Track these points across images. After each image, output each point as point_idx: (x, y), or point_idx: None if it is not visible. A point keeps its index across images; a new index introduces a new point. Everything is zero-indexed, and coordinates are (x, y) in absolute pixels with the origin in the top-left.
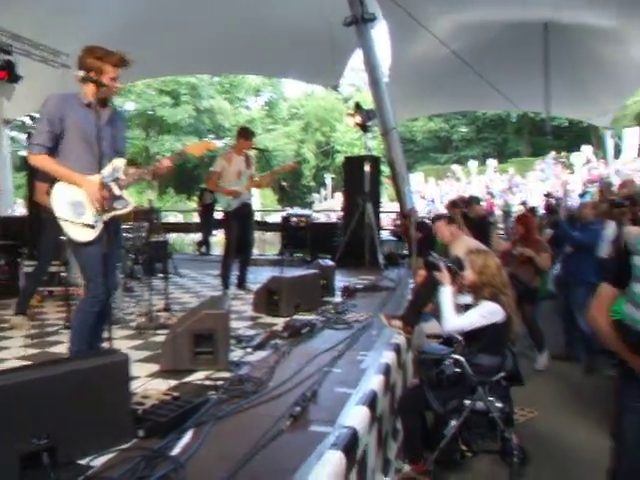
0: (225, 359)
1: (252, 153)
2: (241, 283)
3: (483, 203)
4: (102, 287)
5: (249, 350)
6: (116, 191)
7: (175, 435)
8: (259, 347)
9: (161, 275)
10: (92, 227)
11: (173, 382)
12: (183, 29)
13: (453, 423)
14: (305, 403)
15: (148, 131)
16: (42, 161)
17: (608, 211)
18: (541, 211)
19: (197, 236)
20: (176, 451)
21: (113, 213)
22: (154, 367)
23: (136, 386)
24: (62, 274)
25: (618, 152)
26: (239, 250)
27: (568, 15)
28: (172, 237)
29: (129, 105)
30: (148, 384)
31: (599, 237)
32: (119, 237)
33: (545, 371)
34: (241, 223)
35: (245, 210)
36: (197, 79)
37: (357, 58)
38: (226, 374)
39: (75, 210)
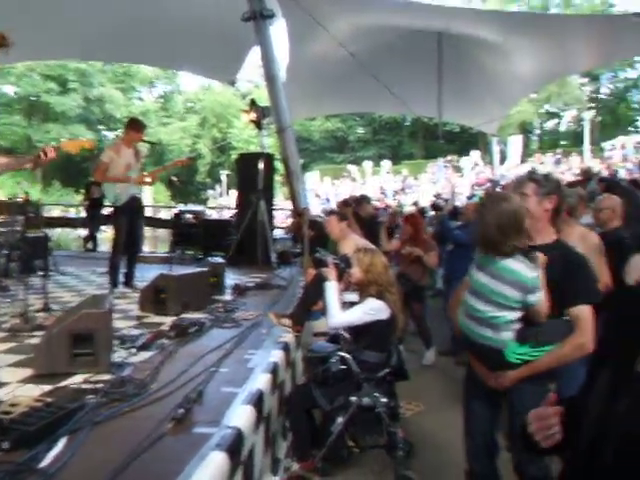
0: (106, 361)
1: (144, 147)
2: (128, 281)
3: (377, 203)
4: None
5: (133, 351)
6: None
7: (45, 445)
8: (143, 347)
9: (40, 273)
10: None
11: (47, 387)
12: (72, 10)
13: (340, 420)
14: (189, 405)
15: (30, 118)
16: None
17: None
18: (430, 212)
19: (84, 232)
20: (45, 462)
21: None
22: (27, 372)
23: (4, 393)
24: None
25: (504, 158)
26: (127, 246)
27: (459, 27)
28: (56, 232)
29: (7, 88)
30: (18, 390)
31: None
32: None
33: (432, 366)
34: (130, 218)
35: (134, 204)
36: (88, 65)
37: (256, 55)
38: (107, 376)
39: None
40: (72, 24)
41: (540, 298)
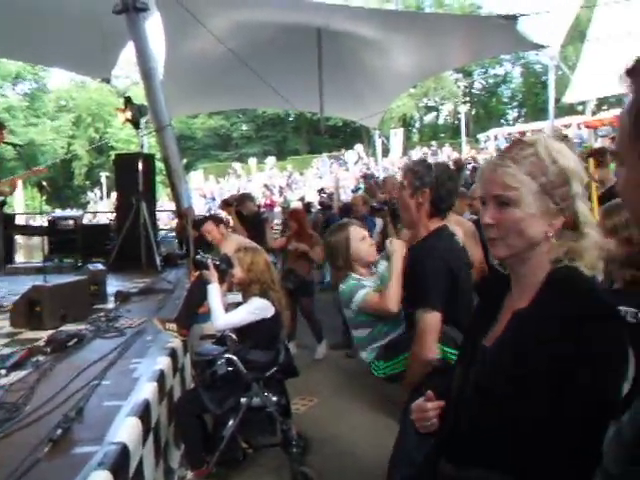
0: None
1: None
2: None
3: (263, 200)
4: None
5: (2, 372)
6: None
7: None
8: (15, 367)
9: None
10: None
11: None
12: None
13: (231, 422)
14: (68, 424)
15: None
16: None
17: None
18: (317, 207)
19: None
20: None
21: None
22: None
23: None
24: None
25: (386, 151)
26: None
27: (338, 24)
28: None
29: None
30: None
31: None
32: None
33: (324, 360)
34: None
35: None
36: None
37: (132, 50)
38: None
39: None
40: None
41: (363, 296)
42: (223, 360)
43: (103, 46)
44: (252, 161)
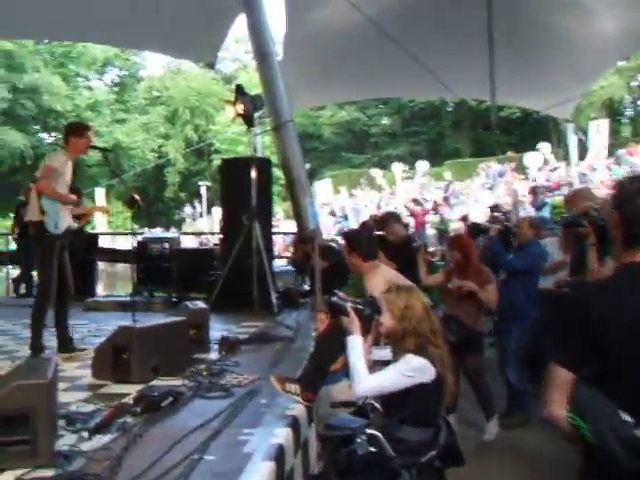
0: (48, 450)
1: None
2: (66, 344)
3: (411, 220)
4: None
5: (84, 435)
6: None
7: None
8: (99, 429)
9: None
10: None
11: None
12: None
13: None
14: None
15: None
16: None
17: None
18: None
19: (14, 270)
20: None
21: None
22: None
23: None
24: None
25: (584, 151)
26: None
27: None
28: None
29: None
30: None
31: (538, 261)
32: None
33: (495, 442)
34: (59, 254)
35: (68, 238)
36: (15, 45)
37: (242, 26)
38: (50, 472)
39: None
40: None
41: None
42: (364, 437)
43: (207, 23)
44: (396, 167)
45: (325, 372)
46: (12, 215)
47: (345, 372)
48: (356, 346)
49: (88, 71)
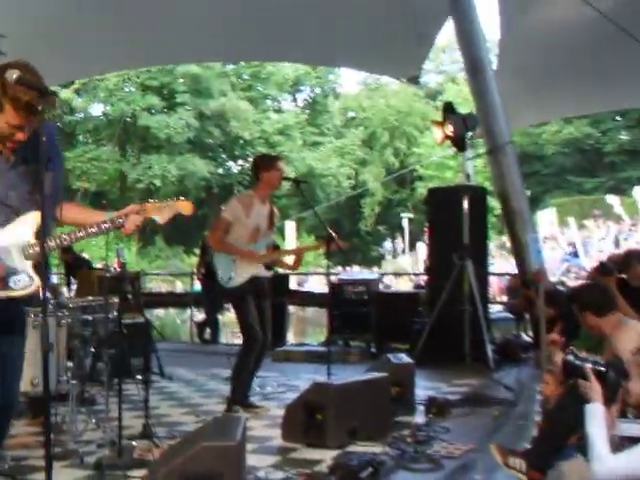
0: None
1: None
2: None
3: None
4: None
5: None
6: (17, 263)
7: None
8: None
9: (138, 378)
10: None
11: None
12: None
13: None
14: None
15: (125, 148)
16: None
17: None
18: None
19: (199, 314)
20: None
21: (6, 294)
22: None
23: None
24: None
25: None
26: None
27: None
28: (158, 315)
29: (96, 108)
30: None
31: None
32: (19, 328)
33: None
34: (258, 304)
35: (262, 287)
36: (201, 68)
37: (449, 32)
38: None
39: None
40: (179, 12)
41: None
42: None
43: (410, 32)
44: (638, 192)
45: (558, 447)
46: (197, 252)
47: (579, 447)
48: (596, 417)
49: (278, 92)
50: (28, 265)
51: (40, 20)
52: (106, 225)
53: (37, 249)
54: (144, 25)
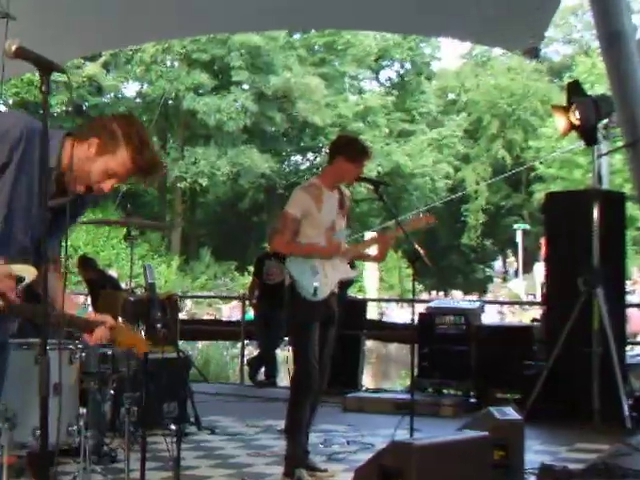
0: None
1: (349, 190)
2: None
3: None
4: None
5: None
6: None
7: None
8: None
9: (172, 427)
10: None
11: None
12: None
13: None
14: None
15: (166, 138)
16: None
17: None
18: None
19: (249, 347)
20: None
21: None
22: None
23: None
24: None
25: None
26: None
27: None
28: (201, 348)
29: (130, 88)
30: None
31: None
32: None
33: None
34: (321, 331)
35: (332, 307)
36: (263, 39)
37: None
38: None
39: None
40: None
41: None
42: None
43: None
44: None
45: None
46: (251, 270)
47: None
48: None
49: (358, 69)
50: None
51: None
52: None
53: None
54: None
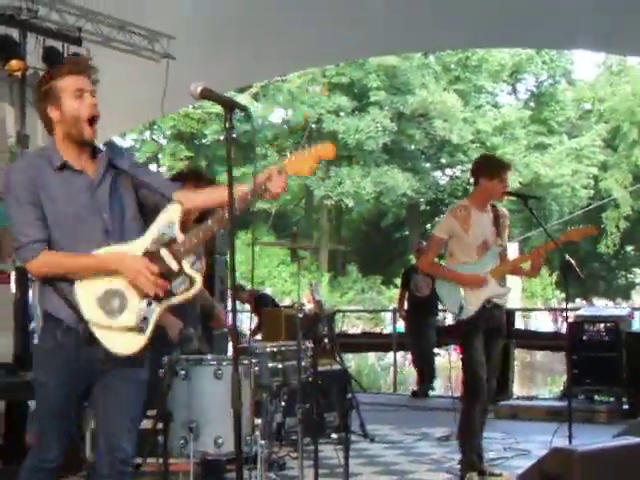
0: None
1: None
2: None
3: None
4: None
5: None
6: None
7: None
8: None
9: (334, 437)
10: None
11: None
12: None
13: None
14: None
15: None
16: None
17: None
18: None
19: (403, 357)
20: None
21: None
22: None
23: None
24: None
25: None
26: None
27: None
28: (357, 361)
29: (276, 114)
30: None
31: None
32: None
33: None
34: (486, 343)
35: (493, 319)
36: (398, 59)
37: None
38: None
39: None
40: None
41: None
42: None
43: None
44: None
45: None
46: (396, 283)
47: None
48: None
49: (493, 83)
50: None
51: (211, 20)
52: (247, 194)
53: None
54: (333, 18)
